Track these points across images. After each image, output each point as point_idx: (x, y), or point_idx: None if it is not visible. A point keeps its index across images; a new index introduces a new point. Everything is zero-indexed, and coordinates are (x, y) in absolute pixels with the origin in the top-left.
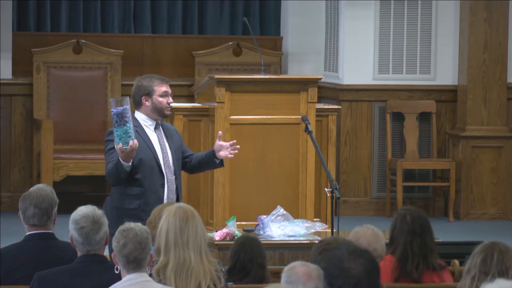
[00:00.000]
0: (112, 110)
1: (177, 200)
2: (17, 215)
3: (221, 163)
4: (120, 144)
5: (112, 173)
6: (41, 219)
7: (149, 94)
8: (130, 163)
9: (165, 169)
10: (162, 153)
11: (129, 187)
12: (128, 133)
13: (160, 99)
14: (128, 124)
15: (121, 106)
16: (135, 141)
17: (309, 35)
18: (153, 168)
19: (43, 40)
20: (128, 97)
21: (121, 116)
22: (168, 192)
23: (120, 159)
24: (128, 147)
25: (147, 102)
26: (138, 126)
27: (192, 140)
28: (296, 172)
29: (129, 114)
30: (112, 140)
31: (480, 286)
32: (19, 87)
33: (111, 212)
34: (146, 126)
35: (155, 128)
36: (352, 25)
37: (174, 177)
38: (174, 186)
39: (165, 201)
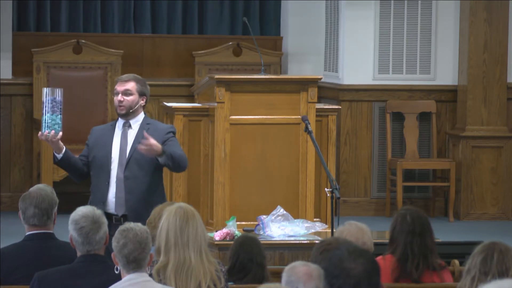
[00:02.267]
0: (44, 98)
1: (126, 199)
2: (17, 215)
3: (161, 160)
4: (47, 131)
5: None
6: (41, 219)
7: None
8: (60, 154)
9: (114, 168)
10: (120, 152)
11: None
12: (48, 123)
13: (114, 98)
14: (49, 115)
15: (53, 96)
16: (53, 133)
17: (309, 35)
18: (102, 165)
19: (43, 40)
20: (61, 89)
21: (46, 105)
22: (116, 190)
23: (53, 150)
24: (52, 133)
25: None
26: (111, 125)
27: (192, 140)
28: (296, 172)
29: (54, 105)
30: (88, 138)
31: (480, 286)
32: (19, 87)
33: None
34: (116, 125)
35: (124, 127)
36: (352, 25)
37: (125, 176)
38: (125, 185)
39: (110, 199)
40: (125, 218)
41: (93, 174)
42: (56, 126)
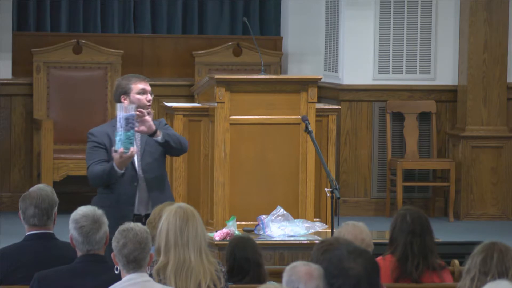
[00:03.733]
0: (119, 113)
1: (149, 196)
2: (17, 215)
3: (162, 139)
4: (122, 148)
5: (101, 176)
6: (41, 219)
7: (126, 92)
8: (123, 170)
9: (138, 168)
10: (139, 152)
11: (104, 188)
12: (131, 139)
13: (138, 96)
14: (132, 131)
15: (129, 112)
16: (135, 148)
17: (309, 35)
18: (127, 167)
19: (43, 40)
20: (135, 105)
21: (128, 121)
22: (140, 190)
23: (115, 165)
24: (129, 152)
25: (125, 101)
26: (113, 125)
27: (192, 140)
28: (296, 172)
29: (134, 121)
30: (92, 141)
31: (480, 286)
32: (19, 87)
33: None
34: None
35: None
36: (352, 25)
37: (143, 169)
38: (146, 180)
39: (137, 199)
40: (146, 217)
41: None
42: (130, 144)
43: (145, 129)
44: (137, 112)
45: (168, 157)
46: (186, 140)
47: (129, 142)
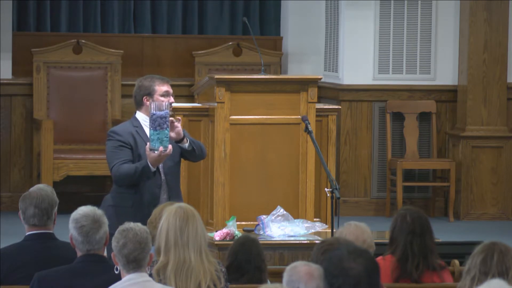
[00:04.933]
0: (153, 112)
1: (169, 198)
2: (17, 215)
3: (189, 146)
4: (161, 147)
5: (132, 175)
6: (41, 219)
7: (150, 94)
8: (155, 169)
9: (161, 170)
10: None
11: (125, 187)
12: (168, 137)
13: (161, 98)
14: (168, 129)
15: (162, 110)
16: (170, 146)
17: (309, 35)
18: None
19: (43, 40)
20: (168, 103)
21: (164, 120)
22: (162, 191)
23: (149, 163)
24: (167, 150)
25: (148, 102)
26: (138, 126)
27: None
28: (296, 172)
29: (168, 120)
30: (117, 140)
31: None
32: (19, 87)
33: (107, 210)
34: (147, 126)
35: None
36: (352, 25)
37: (165, 172)
38: (167, 182)
39: (161, 200)
40: None
41: None
42: (168, 143)
43: (174, 135)
44: (175, 119)
45: None
46: (205, 147)
47: (166, 140)
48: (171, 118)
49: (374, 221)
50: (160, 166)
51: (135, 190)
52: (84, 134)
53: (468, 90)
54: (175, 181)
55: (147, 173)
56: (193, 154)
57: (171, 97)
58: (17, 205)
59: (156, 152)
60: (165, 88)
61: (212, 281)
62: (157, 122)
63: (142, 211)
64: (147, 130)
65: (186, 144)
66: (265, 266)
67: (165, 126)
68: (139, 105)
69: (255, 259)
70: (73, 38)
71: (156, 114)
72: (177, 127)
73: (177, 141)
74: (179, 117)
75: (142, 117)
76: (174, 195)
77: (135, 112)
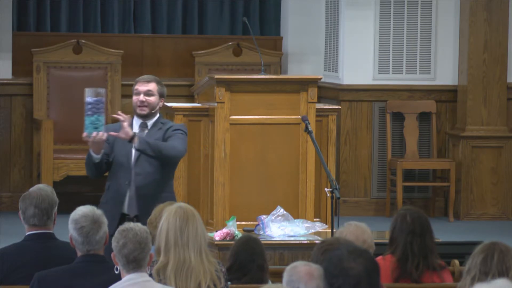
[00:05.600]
0: (86, 99)
1: (136, 198)
2: (17, 215)
3: (137, 146)
4: (85, 133)
5: (86, 163)
6: (41, 219)
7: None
8: (98, 155)
9: (135, 169)
10: (135, 153)
11: (107, 182)
12: (95, 124)
13: (133, 97)
14: (96, 116)
15: (96, 97)
16: (101, 133)
17: (309, 35)
18: (122, 164)
19: (43, 40)
20: (105, 90)
21: (90, 106)
22: (129, 190)
23: (91, 151)
24: (91, 137)
25: None
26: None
27: (192, 140)
28: (296, 172)
29: (100, 106)
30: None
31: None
32: (19, 87)
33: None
34: (133, 124)
35: (141, 127)
36: (352, 25)
37: (136, 172)
38: (135, 182)
39: (127, 198)
40: (137, 218)
41: (112, 172)
42: (102, 127)
43: (122, 135)
44: (118, 117)
45: None
46: (174, 150)
47: (93, 127)
48: (118, 117)
49: (374, 221)
50: (132, 165)
51: (108, 187)
52: None
53: (468, 90)
54: (147, 182)
55: (91, 159)
56: (148, 156)
57: (141, 95)
58: (17, 205)
59: (89, 137)
60: (137, 86)
61: (212, 281)
62: (90, 108)
63: (110, 208)
64: (133, 128)
65: (135, 144)
66: (267, 265)
67: (92, 112)
68: None
69: (257, 258)
70: (73, 38)
71: (88, 101)
72: (124, 127)
73: (128, 141)
74: (126, 116)
75: (135, 117)
76: (145, 200)
77: None
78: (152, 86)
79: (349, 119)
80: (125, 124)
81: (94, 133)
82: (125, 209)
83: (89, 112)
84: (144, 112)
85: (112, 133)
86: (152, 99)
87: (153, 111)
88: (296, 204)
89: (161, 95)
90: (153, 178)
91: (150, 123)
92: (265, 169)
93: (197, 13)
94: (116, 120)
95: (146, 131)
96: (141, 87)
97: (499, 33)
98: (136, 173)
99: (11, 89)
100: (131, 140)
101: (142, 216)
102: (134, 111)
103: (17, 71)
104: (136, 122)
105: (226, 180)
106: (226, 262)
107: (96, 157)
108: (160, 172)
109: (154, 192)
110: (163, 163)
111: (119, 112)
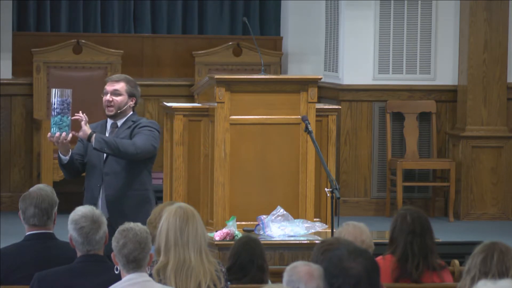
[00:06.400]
0: (53, 100)
1: (106, 198)
2: (17, 215)
3: (94, 145)
4: (49, 133)
5: (60, 165)
6: (41, 219)
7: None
8: (66, 157)
9: (104, 169)
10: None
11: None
12: (58, 124)
13: (103, 98)
14: (59, 116)
15: (61, 97)
16: (64, 134)
17: (309, 35)
18: (95, 166)
19: (43, 40)
20: (71, 90)
21: (55, 107)
22: (101, 191)
23: (59, 152)
24: (54, 138)
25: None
26: (103, 125)
27: (192, 140)
28: (296, 172)
29: (64, 107)
30: (79, 141)
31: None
32: (19, 87)
33: None
34: (106, 125)
35: (112, 128)
36: (352, 25)
37: (105, 172)
38: (104, 181)
39: (100, 200)
40: (109, 221)
41: (86, 174)
42: (66, 128)
43: (81, 134)
44: (77, 117)
45: (168, 157)
46: (132, 147)
47: (57, 127)
48: (77, 117)
49: (374, 221)
50: (101, 165)
51: (84, 188)
52: None
53: (468, 90)
54: (115, 181)
55: (61, 161)
56: (108, 154)
57: (108, 95)
58: (17, 205)
59: (53, 137)
60: (105, 86)
61: (212, 281)
62: (55, 108)
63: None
64: (106, 130)
65: (92, 144)
66: (267, 266)
67: (55, 112)
68: None
69: (258, 258)
70: (73, 38)
71: (53, 101)
72: (81, 126)
73: (87, 140)
74: (83, 115)
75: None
76: (113, 198)
77: None
78: (120, 86)
79: (349, 119)
80: (83, 123)
81: (57, 134)
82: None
83: (54, 113)
84: (111, 113)
85: (73, 132)
86: (119, 98)
87: (119, 111)
88: (296, 204)
89: (130, 95)
90: (121, 177)
91: (120, 122)
92: (265, 169)
93: (197, 13)
94: (99, 120)
95: (116, 130)
96: (109, 87)
97: (499, 33)
98: (105, 173)
99: (11, 89)
100: (89, 139)
101: (113, 219)
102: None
103: (17, 71)
104: (109, 122)
105: (226, 180)
106: (226, 263)
107: (64, 158)
108: (127, 170)
109: (121, 191)
110: (130, 161)
111: (80, 112)
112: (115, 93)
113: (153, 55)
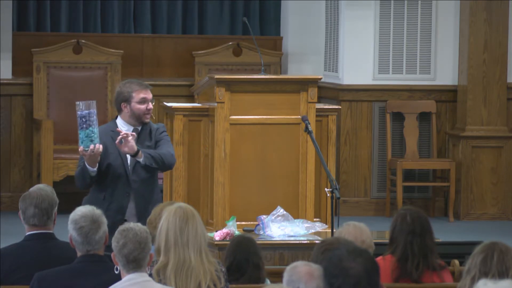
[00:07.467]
0: (78, 112)
1: (136, 207)
2: (17, 215)
3: (143, 161)
4: (81, 147)
5: (78, 176)
6: (41, 219)
7: (127, 100)
8: (95, 168)
9: (132, 177)
10: (131, 160)
11: (97, 191)
12: (90, 136)
13: (138, 105)
14: (91, 128)
15: (88, 109)
16: (98, 145)
17: (309, 35)
18: (119, 175)
19: (43, 40)
20: (95, 101)
21: (84, 119)
22: (130, 200)
23: (86, 163)
24: (88, 150)
25: (125, 109)
26: (114, 131)
27: (192, 140)
28: (296, 172)
29: (93, 118)
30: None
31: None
32: (19, 87)
33: None
34: (120, 128)
35: (133, 132)
36: (352, 25)
37: (133, 180)
38: (133, 189)
39: (128, 209)
40: None
41: (107, 183)
42: (98, 139)
43: (127, 150)
44: (122, 134)
45: None
46: (170, 159)
47: (89, 140)
48: (124, 133)
49: (374, 221)
50: (129, 173)
51: (103, 197)
52: None
53: (468, 90)
54: (146, 190)
55: (87, 173)
56: (153, 168)
57: (150, 103)
58: (17, 205)
59: (87, 151)
60: (142, 95)
61: (212, 281)
62: (84, 121)
63: (109, 219)
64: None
65: (140, 159)
66: (262, 263)
67: (85, 125)
68: (118, 111)
69: (253, 257)
70: (73, 38)
71: (81, 114)
72: (128, 142)
73: (132, 155)
74: (133, 134)
75: (120, 122)
76: (142, 205)
77: (116, 117)
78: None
79: (349, 119)
80: (130, 138)
81: (91, 146)
82: (126, 218)
83: (84, 126)
84: (148, 120)
85: (125, 149)
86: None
87: None
88: (296, 204)
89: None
90: (147, 183)
91: (139, 127)
92: (265, 169)
93: (197, 13)
94: (103, 122)
95: (135, 135)
96: (148, 95)
97: (499, 33)
98: (133, 180)
99: (11, 89)
100: (135, 155)
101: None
102: (137, 118)
103: (17, 71)
104: (124, 127)
105: (226, 180)
106: (224, 264)
107: (92, 170)
108: (153, 176)
109: (149, 198)
110: (157, 170)
111: (121, 130)
112: (152, 100)
113: (153, 55)
